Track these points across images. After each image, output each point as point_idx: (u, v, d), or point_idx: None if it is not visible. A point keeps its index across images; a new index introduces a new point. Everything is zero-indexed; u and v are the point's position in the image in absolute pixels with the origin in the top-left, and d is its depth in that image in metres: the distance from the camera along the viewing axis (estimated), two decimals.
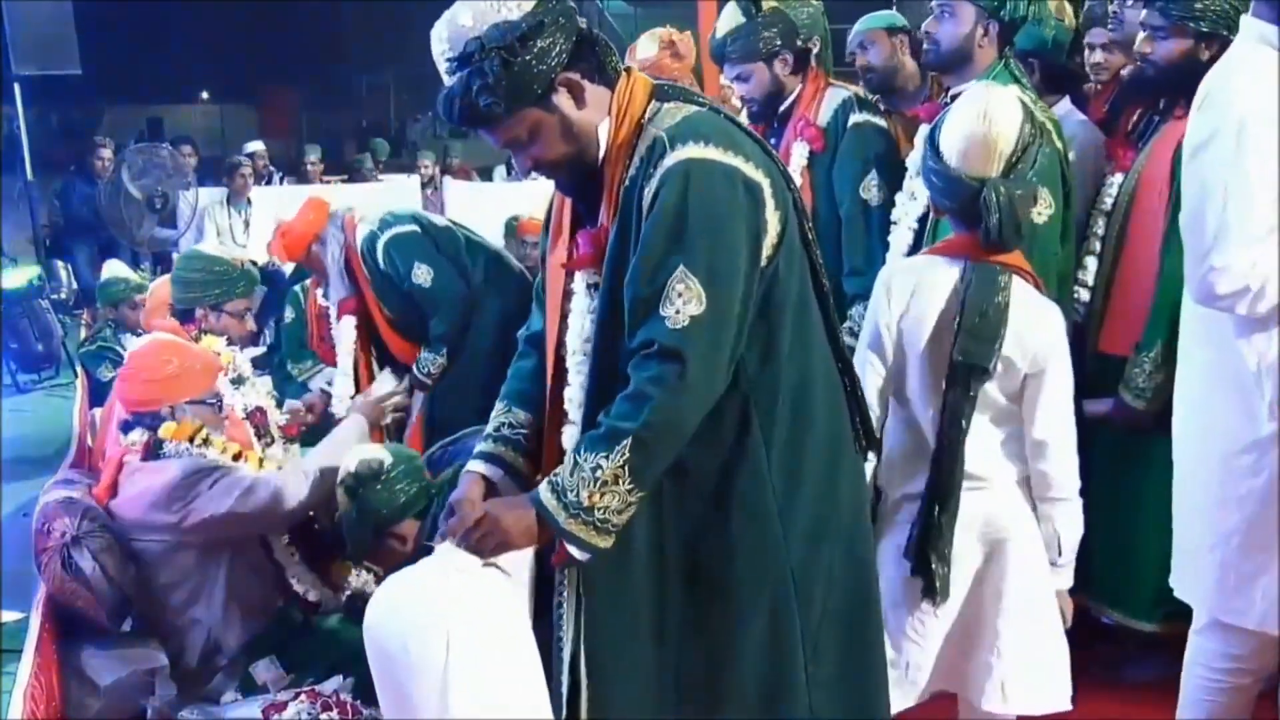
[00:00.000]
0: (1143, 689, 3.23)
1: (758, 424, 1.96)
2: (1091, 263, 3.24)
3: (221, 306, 3.84)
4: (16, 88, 8.25)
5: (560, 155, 1.98)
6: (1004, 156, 2.34)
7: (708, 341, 1.85)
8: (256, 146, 9.56)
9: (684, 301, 1.84)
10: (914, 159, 3.04)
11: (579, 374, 2.01)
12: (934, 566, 2.39)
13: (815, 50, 3.67)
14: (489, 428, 2.20)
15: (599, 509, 1.85)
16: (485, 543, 1.93)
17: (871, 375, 2.43)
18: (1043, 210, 2.99)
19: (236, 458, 3.11)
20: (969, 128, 2.34)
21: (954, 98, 3.19)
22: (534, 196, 8.05)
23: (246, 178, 8.79)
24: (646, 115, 1.97)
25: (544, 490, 1.91)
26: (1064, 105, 3.47)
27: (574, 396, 2.03)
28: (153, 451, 3.07)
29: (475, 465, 2.15)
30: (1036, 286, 2.43)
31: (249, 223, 8.59)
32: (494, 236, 6.72)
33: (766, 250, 1.93)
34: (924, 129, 2.48)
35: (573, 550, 1.91)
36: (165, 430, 3.07)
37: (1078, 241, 3.28)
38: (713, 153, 1.88)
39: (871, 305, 2.48)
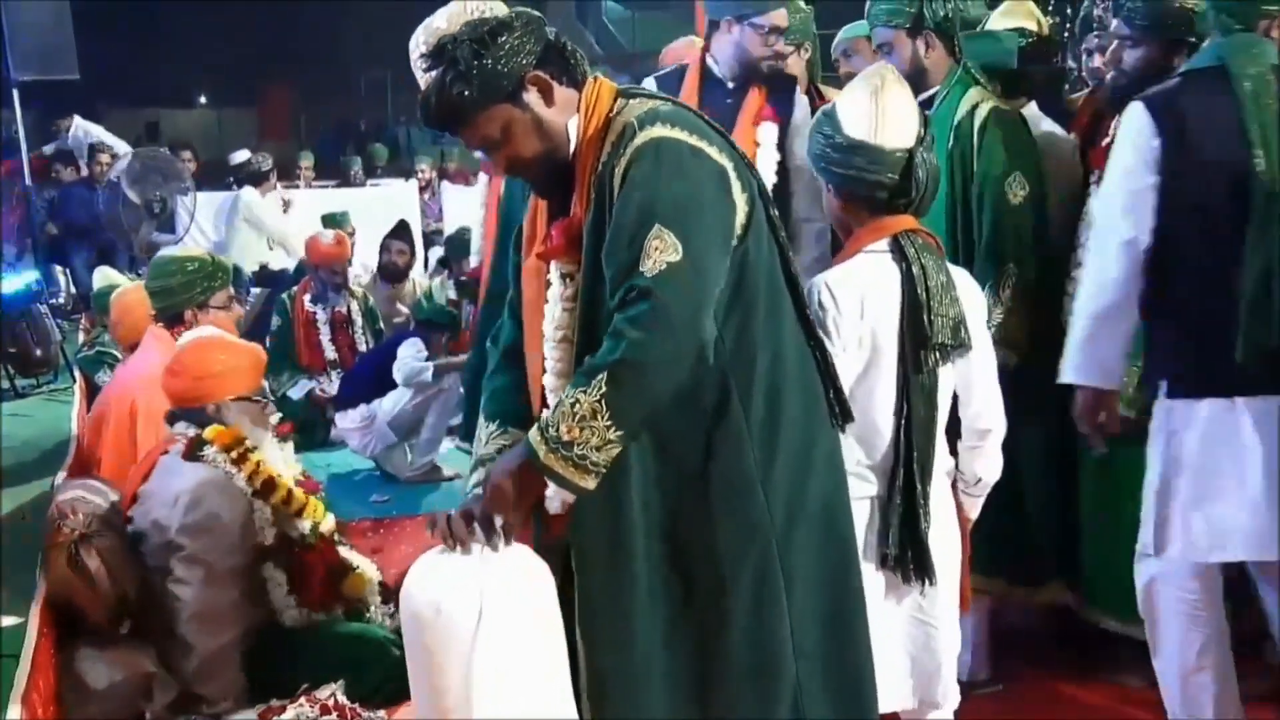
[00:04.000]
0: (1138, 692, 3.26)
1: (737, 398, 2.03)
2: (1079, 274, 3.24)
3: (207, 303, 3.83)
4: (15, 93, 8.24)
5: (532, 153, 2.08)
6: (919, 124, 2.41)
7: (684, 285, 1.90)
8: (242, 157, 9.55)
9: (660, 253, 1.90)
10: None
11: (557, 361, 2.09)
12: (925, 549, 2.42)
13: (807, 56, 3.71)
14: (486, 450, 2.23)
15: (578, 444, 1.89)
16: (484, 498, 2.01)
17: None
18: (1018, 192, 3.06)
19: (265, 488, 3.04)
20: (886, 106, 2.38)
21: (923, 105, 3.22)
22: None
23: (274, 181, 8.88)
24: (614, 110, 2.08)
25: (532, 431, 1.98)
26: (1030, 110, 3.47)
27: (550, 383, 2.11)
28: (194, 450, 3.05)
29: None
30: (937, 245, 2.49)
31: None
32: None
33: (736, 230, 2.01)
34: (816, 121, 2.51)
35: (558, 490, 1.98)
36: (210, 432, 3.06)
37: (1066, 253, 3.30)
38: (679, 134, 1.99)
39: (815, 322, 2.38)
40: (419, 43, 2.04)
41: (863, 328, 2.39)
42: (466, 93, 1.99)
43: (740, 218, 2.02)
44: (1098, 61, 3.61)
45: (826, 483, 2.16)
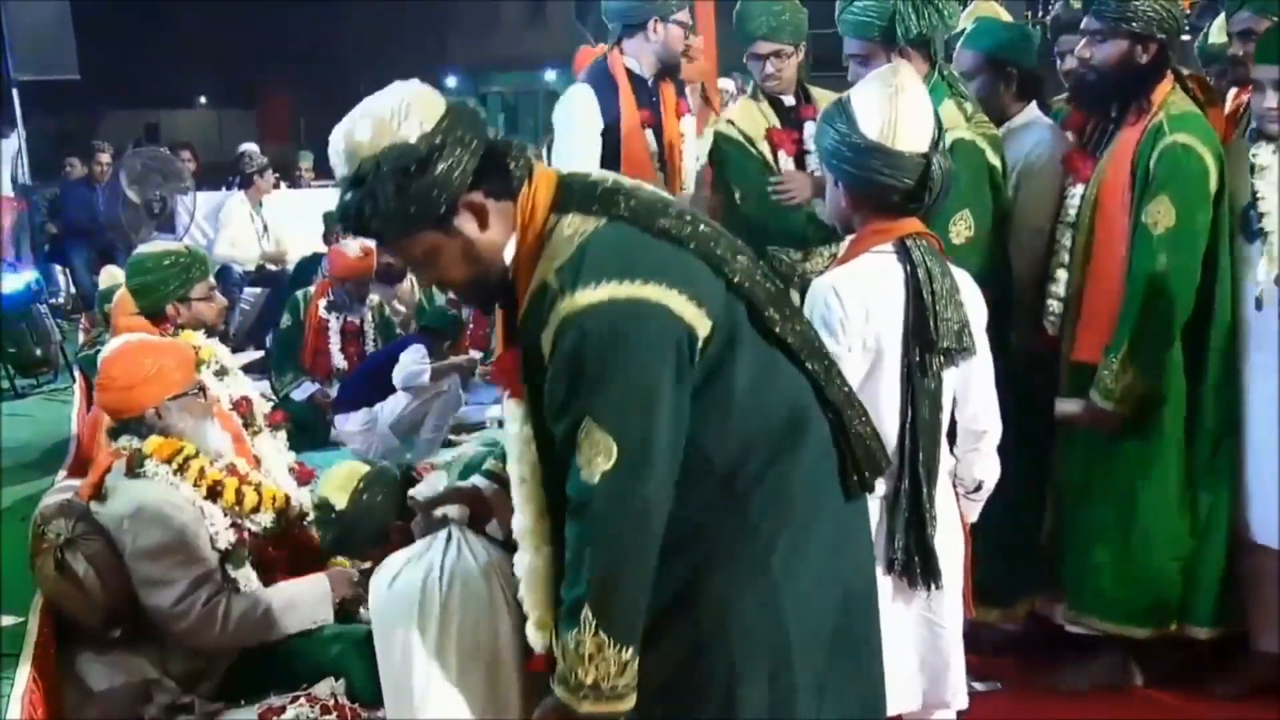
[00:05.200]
0: (1135, 691, 3.27)
1: (732, 513, 1.88)
2: (1062, 274, 3.24)
3: (188, 296, 3.81)
4: (15, 93, 8.26)
5: (462, 278, 1.90)
6: (935, 127, 2.37)
7: (626, 488, 1.77)
8: (250, 147, 9.52)
9: (594, 453, 1.76)
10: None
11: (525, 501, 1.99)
12: (932, 553, 2.40)
13: (800, 58, 3.72)
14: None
15: (602, 681, 1.83)
16: None
17: None
18: (962, 231, 2.99)
19: (213, 491, 3.02)
20: (904, 110, 2.33)
21: None
22: None
23: (272, 179, 8.74)
24: (547, 228, 1.85)
25: (556, 686, 1.88)
26: (1030, 111, 3.45)
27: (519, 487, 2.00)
28: (134, 467, 3.00)
29: (475, 479, 2.20)
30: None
31: (266, 225, 8.58)
32: None
33: (695, 355, 1.82)
34: (828, 114, 2.44)
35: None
36: (149, 445, 3.02)
37: (1047, 254, 3.30)
38: (606, 291, 1.76)
39: (817, 322, 2.34)
40: (338, 150, 1.82)
41: (868, 330, 2.36)
42: (384, 226, 1.81)
43: (704, 331, 1.80)
44: (1069, 64, 3.60)
45: (828, 550, 1.95)
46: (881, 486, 2.41)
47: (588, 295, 1.76)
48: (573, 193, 1.87)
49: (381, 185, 1.76)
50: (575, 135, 3.79)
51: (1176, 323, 3.04)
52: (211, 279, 3.96)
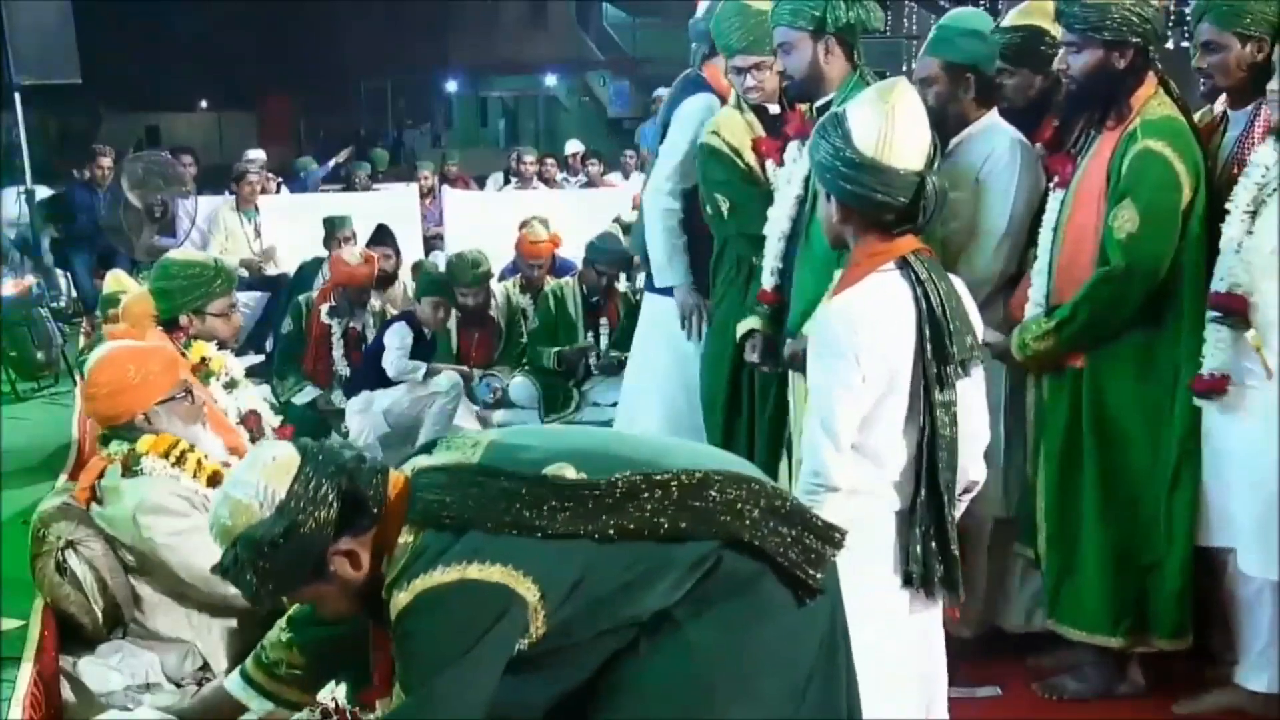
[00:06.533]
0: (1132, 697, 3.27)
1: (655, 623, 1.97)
2: (1040, 281, 3.24)
3: (204, 309, 3.82)
4: (17, 96, 8.26)
5: (349, 606, 2.01)
6: (930, 144, 2.38)
7: None
8: (257, 154, 9.51)
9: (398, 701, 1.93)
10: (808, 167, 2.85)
11: None
12: (956, 562, 2.42)
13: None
14: (267, 653, 2.34)
15: None
16: None
17: (852, 418, 2.39)
18: None
19: (213, 480, 3.03)
20: (900, 126, 2.33)
21: (819, 111, 3.21)
22: (531, 205, 8.12)
23: (254, 185, 8.73)
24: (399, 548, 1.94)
25: None
26: (991, 117, 3.44)
27: None
28: (130, 466, 3.02)
29: (233, 684, 2.32)
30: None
31: (260, 230, 8.56)
32: (494, 243, 6.75)
33: (533, 599, 1.90)
34: (822, 128, 2.45)
35: None
36: (143, 444, 3.03)
37: (1019, 257, 3.33)
38: (411, 590, 1.87)
39: (830, 351, 2.39)
40: (213, 535, 1.95)
41: (882, 351, 2.36)
42: (264, 596, 1.95)
43: (523, 585, 1.88)
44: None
45: (780, 669, 2.02)
46: (896, 502, 2.41)
47: (401, 599, 1.88)
48: (416, 509, 1.94)
49: (244, 568, 1.90)
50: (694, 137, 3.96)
51: (1114, 321, 3.08)
52: (234, 296, 3.96)
